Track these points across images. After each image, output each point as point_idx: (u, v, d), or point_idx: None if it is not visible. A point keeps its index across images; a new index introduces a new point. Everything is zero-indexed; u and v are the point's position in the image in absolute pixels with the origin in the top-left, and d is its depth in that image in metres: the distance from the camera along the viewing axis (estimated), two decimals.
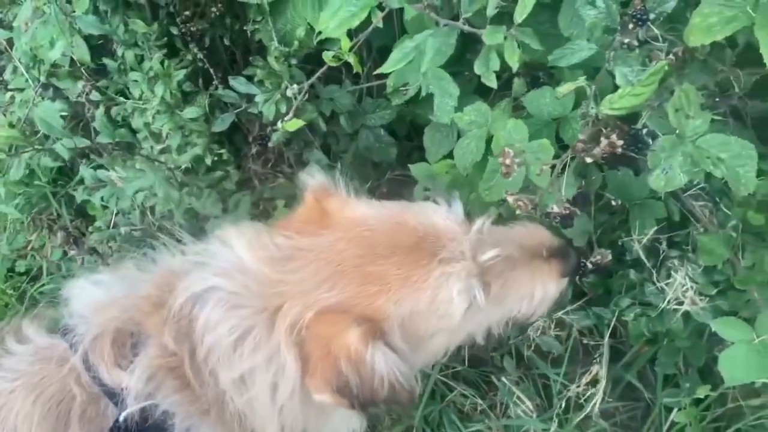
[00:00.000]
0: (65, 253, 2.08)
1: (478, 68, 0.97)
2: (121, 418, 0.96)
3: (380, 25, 1.28)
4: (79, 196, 1.72)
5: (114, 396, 0.99)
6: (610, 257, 1.01)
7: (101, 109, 1.44)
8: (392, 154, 1.72)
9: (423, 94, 1.43)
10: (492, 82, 0.99)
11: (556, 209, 0.92)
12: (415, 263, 0.96)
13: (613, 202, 1.16)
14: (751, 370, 1.17)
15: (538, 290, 1.05)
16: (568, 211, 0.92)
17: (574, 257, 1.05)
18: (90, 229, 1.88)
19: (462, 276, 0.95)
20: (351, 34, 1.33)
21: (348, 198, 1.07)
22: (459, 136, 1.45)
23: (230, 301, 0.96)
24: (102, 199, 1.63)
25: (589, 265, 1.02)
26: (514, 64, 0.90)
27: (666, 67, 0.92)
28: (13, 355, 1.06)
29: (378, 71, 1.16)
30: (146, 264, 1.11)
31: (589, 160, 0.89)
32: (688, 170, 0.93)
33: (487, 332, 1.11)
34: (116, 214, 1.87)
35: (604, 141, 0.86)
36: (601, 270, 1.03)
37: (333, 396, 0.92)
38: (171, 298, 0.97)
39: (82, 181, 1.93)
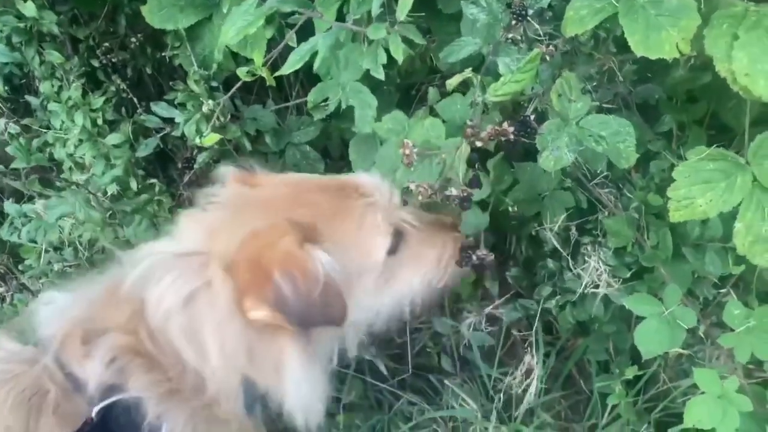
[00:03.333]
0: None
1: (366, 63, 1.03)
2: (94, 413, 0.93)
3: (293, 43, 1.34)
4: (5, 234, 1.69)
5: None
6: (492, 257, 1.09)
7: (15, 134, 1.44)
8: (320, 170, 1.75)
9: (344, 106, 1.49)
10: (380, 75, 1.06)
11: (454, 192, 0.97)
12: (342, 196, 1.07)
13: (511, 209, 1.24)
14: (664, 342, 1.23)
15: (449, 248, 1.15)
16: (465, 194, 0.97)
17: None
18: (20, 267, 1.85)
19: (383, 206, 1.07)
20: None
21: (271, 173, 1.17)
22: None
23: (174, 264, 0.98)
24: (28, 234, 1.61)
25: (474, 258, 1.09)
26: (400, 57, 0.97)
27: (549, 57, 1.00)
28: None
29: (277, 73, 1.21)
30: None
31: (478, 143, 0.95)
32: (573, 149, 1.00)
33: (412, 300, 1.16)
34: (47, 251, 1.84)
35: (490, 126, 0.92)
36: (484, 267, 1.12)
37: (270, 310, 0.92)
38: (122, 287, 0.99)
39: (12, 223, 1.91)
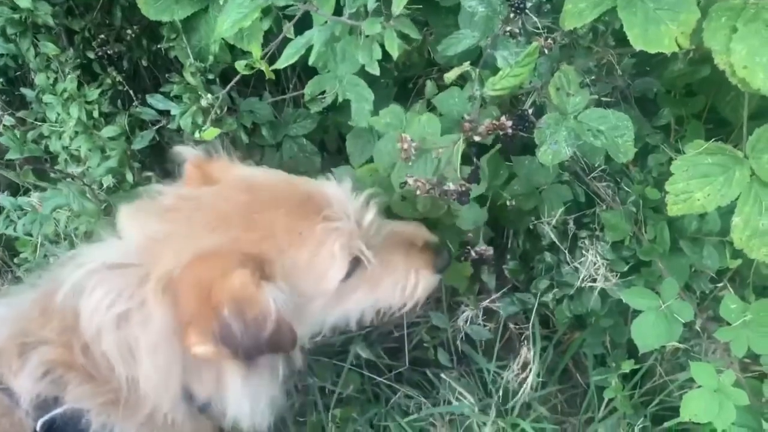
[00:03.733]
0: None
1: (362, 58, 1.02)
2: (38, 426, 0.92)
3: (291, 35, 1.33)
4: (1, 227, 1.68)
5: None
6: (491, 252, 1.07)
7: (10, 127, 1.43)
8: (316, 164, 1.75)
9: (340, 99, 1.48)
10: (375, 70, 1.04)
11: (452, 187, 0.97)
12: (302, 216, 0.96)
13: (508, 203, 1.23)
14: (660, 336, 1.23)
15: (411, 277, 1.09)
16: (463, 188, 0.97)
17: (446, 255, 1.10)
18: (16, 260, 1.84)
19: (345, 233, 0.98)
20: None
21: (232, 162, 1.08)
22: None
23: (108, 276, 0.92)
24: (24, 227, 1.60)
25: (473, 254, 1.06)
26: (395, 53, 0.96)
27: (547, 50, 1.00)
28: None
29: (273, 67, 1.20)
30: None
31: (477, 138, 0.94)
32: (572, 143, 0.99)
33: (360, 318, 1.12)
34: (43, 245, 1.83)
35: (488, 120, 0.91)
36: (483, 261, 1.09)
37: (215, 346, 0.87)
38: (55, 298, 0.94)
39: (8, 216, 1.90)
